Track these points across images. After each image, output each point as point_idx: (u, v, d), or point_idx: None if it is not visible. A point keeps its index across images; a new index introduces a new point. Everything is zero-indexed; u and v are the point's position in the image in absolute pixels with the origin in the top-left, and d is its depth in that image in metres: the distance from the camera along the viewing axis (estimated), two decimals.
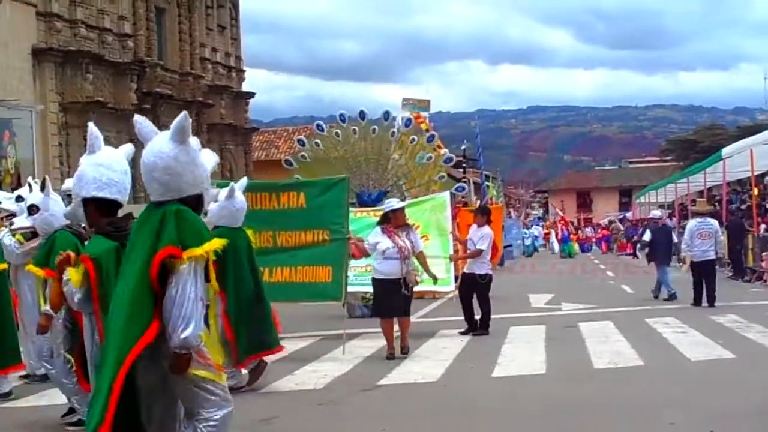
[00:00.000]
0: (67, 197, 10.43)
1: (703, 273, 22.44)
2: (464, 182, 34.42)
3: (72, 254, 7.46)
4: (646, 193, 70.69)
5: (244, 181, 13.07)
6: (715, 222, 23.29)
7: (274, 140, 71.56)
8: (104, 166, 7.33)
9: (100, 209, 7.32)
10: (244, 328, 11.79)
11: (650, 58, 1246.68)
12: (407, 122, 27.15)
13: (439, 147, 30.77)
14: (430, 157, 25.80)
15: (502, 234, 27.97)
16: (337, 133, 25.61)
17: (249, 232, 12.34)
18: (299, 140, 27.16)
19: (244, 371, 12.20)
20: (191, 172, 6.38)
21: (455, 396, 11.82)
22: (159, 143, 6.40)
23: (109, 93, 49.26)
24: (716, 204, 42.73)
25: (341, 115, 26.08)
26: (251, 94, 68.13)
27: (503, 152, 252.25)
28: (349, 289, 16.09)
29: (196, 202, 6.44)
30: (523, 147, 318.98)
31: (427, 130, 31.72)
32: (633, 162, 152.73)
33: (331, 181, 16.06)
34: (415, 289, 15.59)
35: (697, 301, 22.12)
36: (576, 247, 63.60)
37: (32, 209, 10.82)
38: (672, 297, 24.07)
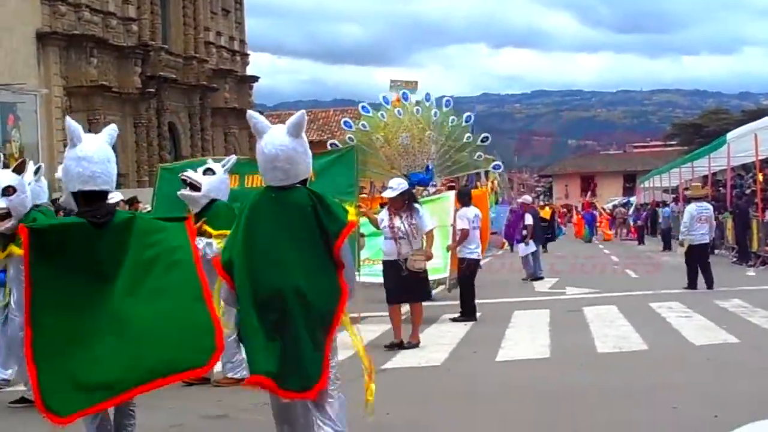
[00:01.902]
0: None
1: (700, 256, 22.66)
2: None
3: None
4: (651, 177, 70.51)
5: (233, 158, 12.99)
6: (709, 206, 23.45)
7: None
8: (86, 160, 7.56)
9: (88, 199, 7.51)
10: None
11: (654, 41, 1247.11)
12: (447, 102, 27.06)
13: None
14: (469, 137, 25.76)
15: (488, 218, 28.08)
16: (382, 114, 25.65)
17: None
18: (345, 122, 27.26)
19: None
20: (305, 162, 7.58)
21: (459, 380, 11.85)
22: (278, 137, 7.43)
23: (113, 77, 49.32)
24: (720, 189, 42.68)
25: (384, 97, 26.30)
26: (255, 78, 68.14)
27: (507, 137, 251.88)
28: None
29: (305, 185, 7.60)
30: (528, 131, 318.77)
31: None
32: (637, 146, 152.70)
33: (339, 152, 15.93)
34: None
35: (692, 285, 22.27)
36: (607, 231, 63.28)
37: (8, 190, 10.84)
38: (539, 278, 26.66)
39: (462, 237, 17.68)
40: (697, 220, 22.48)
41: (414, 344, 14.47)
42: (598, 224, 63.94)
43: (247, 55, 67.95)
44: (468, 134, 25.66)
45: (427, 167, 24.20)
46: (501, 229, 42.03)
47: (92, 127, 46.34)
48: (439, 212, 19.00)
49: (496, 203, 51.39)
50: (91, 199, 7.49)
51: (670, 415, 9.41)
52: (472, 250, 18.10)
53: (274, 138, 7.45)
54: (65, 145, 34.64)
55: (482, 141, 26.68)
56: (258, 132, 7.56)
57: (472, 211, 18.41)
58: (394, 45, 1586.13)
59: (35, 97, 41.01)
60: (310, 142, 7.59)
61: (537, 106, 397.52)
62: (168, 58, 54.58)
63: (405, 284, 14.54)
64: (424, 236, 14.70)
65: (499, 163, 31.40)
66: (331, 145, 26.32)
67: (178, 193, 12.13)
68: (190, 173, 12.08)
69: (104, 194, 7.59)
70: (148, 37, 52.38)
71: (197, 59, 57.68)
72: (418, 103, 25.80)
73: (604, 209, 72.05)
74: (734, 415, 9.18)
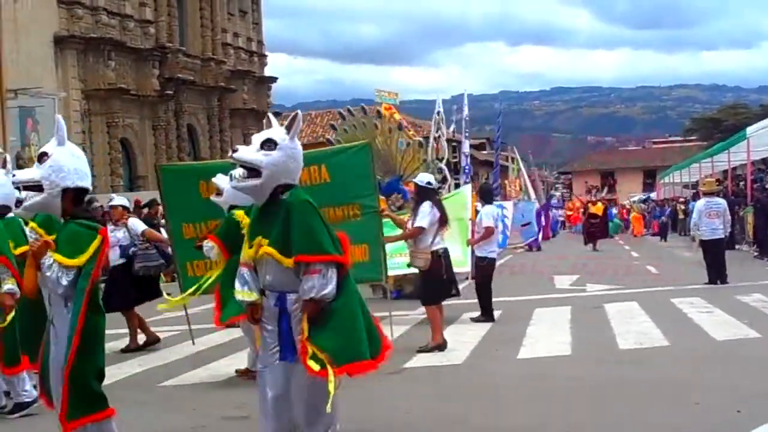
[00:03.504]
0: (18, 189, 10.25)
1: (714, 251, 22.79)
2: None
3: (50, 241, 7.57)
4: (671, 173, 70.40)
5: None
6: (723, 201, 23.45)
7: None
8: (79, 158, 7.74)
9: (76, 198, 7.63)
10: None
11: (672, 37, 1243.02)
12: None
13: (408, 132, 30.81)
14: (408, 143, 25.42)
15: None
16: (354, 125, 25.52)
17: None
18: (332, 125, 27.42)
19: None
20: None
21: (480, 378, 11.84)
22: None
23: (131, 79, 49.45)
24: (740, 183, 42.55)
25: (348, 108, 26.13)
26: (273, 79, 68.16)
27: (527, 134, 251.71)
28: None
29: None
30: (547, 128, 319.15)
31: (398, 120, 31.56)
32: (657, 142, 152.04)
33: (352, 149, 15.56)
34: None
35: (712, 280, 22.25)
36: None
37: None
38: None
39: (487, 234, 17.52)
40: (706, 215, 22.59)
41: (429, 348, 14.01)
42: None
43: (265, 56, 67.98)
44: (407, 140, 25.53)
45: (392, 179, 24.10)
46: (533, 223, 42.21)
47: (111, 129, 46.60)
48: (456, 207, 18.99)
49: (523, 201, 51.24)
50: (81, 199, 7.66)
51: (692, 411, 9.39)
52: (493, 249, 18.04)
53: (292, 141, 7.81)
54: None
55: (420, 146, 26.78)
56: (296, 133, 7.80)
57: (495, 209, 18.40)
58: (411, 44, 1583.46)
59: (53, 101, 41.07)
60: (328, 142, 7.81)
61: (556, 103, 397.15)
62: (186, 59, 54.68)
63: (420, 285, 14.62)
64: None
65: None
66: (327, 141, 26.35)
67: (212, 198, 12.28)
68: (219, 178, 12.17)
69: (86, 194, 7.79)
70: (166, 39, 52.47)
71: (215, 60, 57.78)
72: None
73: (633, 206, 71.62)
74: (757, 410, 9.15)
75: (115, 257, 15.13)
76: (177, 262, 14.53)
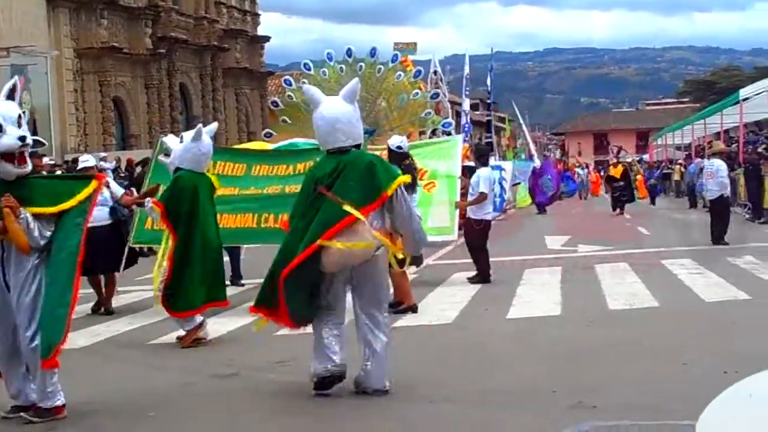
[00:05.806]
0: None
1: (710, 211, 23.65)
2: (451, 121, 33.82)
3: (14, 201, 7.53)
4: (664, 135, 70.39)
5: (214, 126, 12.89)
6: (716, 162, 23.40)
7: None
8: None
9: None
10: (200, 274, 11.75)
11: None
12: (394, 57, 26.22)
13: (422, 87, 30.50)
14: (416, 93, 24.86)
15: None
16: (323, 71, 25.08)
17: (213, 178, 12.29)
18: (286, 80, 26.72)
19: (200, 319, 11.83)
20: (359, 126, 8.83)
21: (470, 338, 11.89)
22: (337, 103, 8.67)
23: (124, 38, 49.29)
24: (731, 146, 42.55)
25: (329, 54, 25.63)
26: (266, 38, 67.98)
27: (520, 95, 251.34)
28: None
29: (358, 149, 8.80)
30: (540, 89, 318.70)
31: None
32: (650, 104, 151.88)
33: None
34: None
35: (714, 240, 22.51)
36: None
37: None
38: None
39: (480, 199, 17.24)
40: (705, 176, 23.15)
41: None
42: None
43: (258, 15, 67.72)
44: (416, 91, 24.83)
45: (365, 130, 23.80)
46: (527, 183, 41.98)
47: (103, 88, 46.45)
48: (445, 158, 18.20)
49: (514, 158, 50.88)
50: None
51: (679, 371, 9.42)
52: (488, 210, 17.82)
53: (333, 104, 8.70)
54: (77, 108, 34.49)
55: (432, 97, 26.27)
56: (315, 101, 8.72)
57: (493, 173, 18.23)
58: (406, 4, 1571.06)
59: (46, 59, 40.98)
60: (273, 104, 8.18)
61: (549, 63, 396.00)
62: (179, 18, 54.46)
63: None
64: None
65: (450, 120, 30.87)
66: (272, 103, 26.07)
67: (158, 158, 12.59)
68: (170, 138, 12.50)
69: None
70: None
71: (208, 19, 57.55)
72: (361, 60, 25.01)
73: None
74: (744, 370, 9.16)
75: (103, 217, 14.78)
76: (139, 211, 14.54)
